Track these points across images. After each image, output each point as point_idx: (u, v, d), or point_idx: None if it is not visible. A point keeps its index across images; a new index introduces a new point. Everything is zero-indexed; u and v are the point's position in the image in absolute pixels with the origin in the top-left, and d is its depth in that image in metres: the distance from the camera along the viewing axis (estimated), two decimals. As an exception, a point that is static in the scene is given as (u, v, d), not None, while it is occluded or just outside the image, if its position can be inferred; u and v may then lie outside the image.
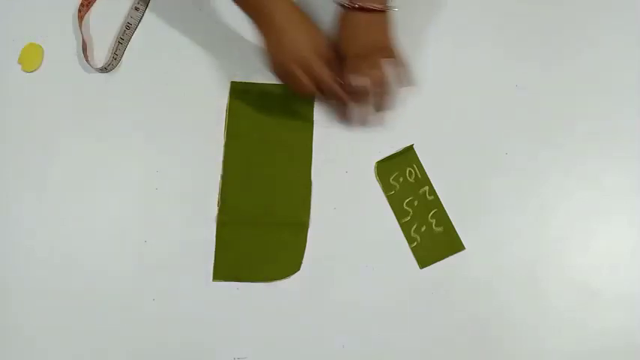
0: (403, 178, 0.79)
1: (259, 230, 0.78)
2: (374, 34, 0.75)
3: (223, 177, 0.79)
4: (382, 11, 0.74)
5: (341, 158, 0.80)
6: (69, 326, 0.75)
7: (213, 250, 0.77)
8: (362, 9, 0.73)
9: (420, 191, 0.78)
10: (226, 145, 0.80)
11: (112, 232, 0.77)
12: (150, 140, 0.81)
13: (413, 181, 0.79)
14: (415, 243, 0.77)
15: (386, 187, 0.79)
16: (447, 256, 0.76)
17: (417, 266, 0.76)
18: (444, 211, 0.78)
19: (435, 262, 0.76)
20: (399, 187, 0.78)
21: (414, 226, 0.77)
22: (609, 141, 0.80)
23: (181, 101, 0.82)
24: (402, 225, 0.77)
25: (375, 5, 0.73)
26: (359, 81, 0.73)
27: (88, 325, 0.75)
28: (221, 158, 0.79)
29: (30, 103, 0.82)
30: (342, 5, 0.74)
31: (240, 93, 0.82)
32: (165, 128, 0.81)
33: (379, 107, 0.77)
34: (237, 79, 0.82)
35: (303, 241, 0.77)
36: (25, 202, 0.78)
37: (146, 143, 0.80)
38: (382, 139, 0.80)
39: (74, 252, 0.77)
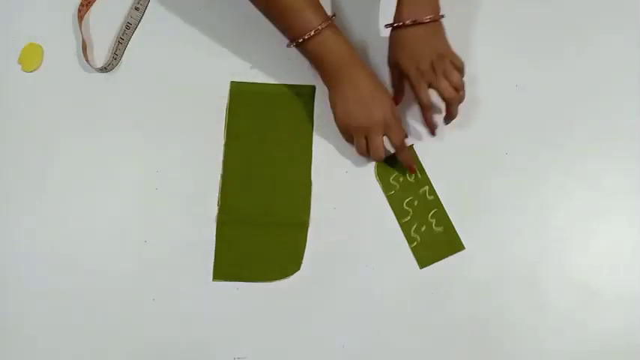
0: (403, 178, 0.79)
1: (259, 230, 0.78)
2: (434, 44, 0.74)
3: (223, 177, 0.79)
4: (435, 21, 0.74)
5: (341, 158, 0.80)
6: (69, 326, 0.75)
7: (213, 249, 0.77)
8: (415, 23, 0.72)
9: (420, 191, 0.78)
10: (226, 145, 0.80)
11: (112, 232, 0.77)
12: (150, 140, 0.81)
13: (413, 181, 0.79)
14: (415, 243, 0.77)
15: (386, 187, 0.79)
16: (447, 256, 0.76)
17: (417, 266, 0.76)
18: (444, 211, 0.78)
19: (435, 261, 0.76)
20: (399, 187, 0.79)
21: (414, 226, 0.77)
22: (609, 141, 0.80)
23: (181, 101, 0.82)
24: (402, 225, 0.77)
25: (427, 17, 0.72)
26: (445, 93, 0.74)
27: (88, 325, 0.75)
28: (221, 158, 0.79)
29: (30, 103, 0.82)
30: (395, 25, 0.74)
31: (240, 93, 0.82)
32: (165, 128, 0.81)
33: (454, 114, 0.77)
34: (237, 79, 0.82)
35: (303, 241, 0.77)
36: (25, 202, 0.78)
37: (146, 143, 0.80)
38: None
39: (74, 252, 0.77)
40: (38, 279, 0.76)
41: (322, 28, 0.71)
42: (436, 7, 0.74)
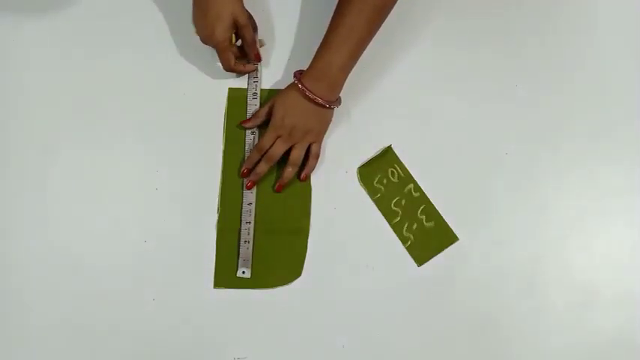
0: (387, 180, 0.79)
1: (259, 238, 0.77)
2: (312, 120, 0.75)
3: (222, 183, 0.79)
4: (322, 106, 0.74)
5: (341, 158, 0.80)
6: (68, 326, 0.75)
7: (213, 249, 0.76)
8: (311, 99, 0.73)
9: (405, 190, 0.78)
10: (225, 152, 0.80)
11: (112, 232, 0.77)
12: (150, 140, 0.80)
13: (397, 180, 0.79)
14: (409, 242, 0.77)
15: (371, 192, 0.78)
16: (443, 250, 0.76)
17: (416, 265, 0.76)
18: (432, 205, 0.78)
19: (432, 257, 0.76)
20: (384, 190, 0.78)
21: (405, 225, 0.77)
22: (609, 141, 0.80)
23: (181, 103, 0.82)
24: (393, 226, 0.77)
25: (317, 98, 0.73)
26: (272, 150, 0.76)
27: (87, 325, 0.75)
28: (220, 160, 0.79)
29: (30, 102, 0.82)
30: (294, 76, 0.75)
31: (238, 99, 0.82)
32: (166, 129, 0.81)
33: (257, 171, 0.77)
34: (235, 86, 0.82)
35: (304, 248, 0.77)
36: (25, 202, 0.78)
37: (146, 143, 0.80)
38: (384, 138, 0.80)
39: (74, 252, 0.77)
40: (38, 279, 0.76)
41: None
42: (331, 95, 0.75)
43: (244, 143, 0.80)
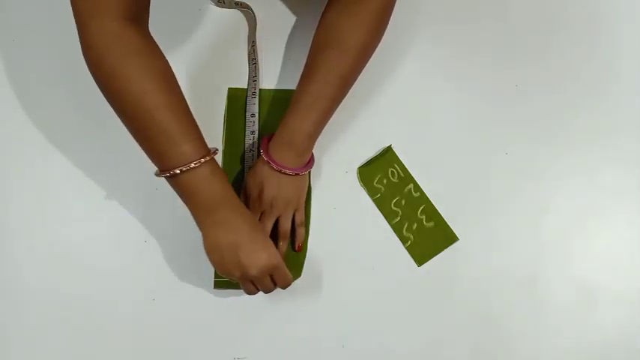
0: (387, 180, 0.79)
1: None
2: (288, 189, 0.73)
3: None
4: (296, 174, 0.72)
5: (341, 158, 0.80)
6: (68, 326, 0.75)
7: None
8: (281, 172, 0.71)
9: (406, 189, 0.78)
10: (224, 152, 0.80)
11: (112, 232, 0.77)
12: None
13: (397, 181, 0.79)
14: (409, 242, 0.77)
15: (371, 192, 0.78)
16: (443, 249, 0.77)
17: (416, 265, 0.76)
18: (432, 205, 0.78)
19: (432, 257, 0.76)
20: (384, 190, 0.78)
21: (406, 225, 0.77)
22: (609, 141, 0.80)
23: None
24: (393, 226, 0.77)
25: (285, 169, 0.71)
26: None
27: (87, 325, 0.75)
28: (220, 160, 0.79)
29: (30, 102, 0.82)
30: (261, 146, 0.73)
31: (238, 99, 0.82)
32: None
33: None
34: (235, 85, 0.82)
35: (304, 248, 0.77)
36: (25, 202, 0.78)
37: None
38: (384, 138, 0.80)
39: (74, 252, 0.77)
40: (38, 279, 0.76)
41: (198, 165, 0.64)
42: (299, 162, 0.72)
43: (244, 143, 0.80)
